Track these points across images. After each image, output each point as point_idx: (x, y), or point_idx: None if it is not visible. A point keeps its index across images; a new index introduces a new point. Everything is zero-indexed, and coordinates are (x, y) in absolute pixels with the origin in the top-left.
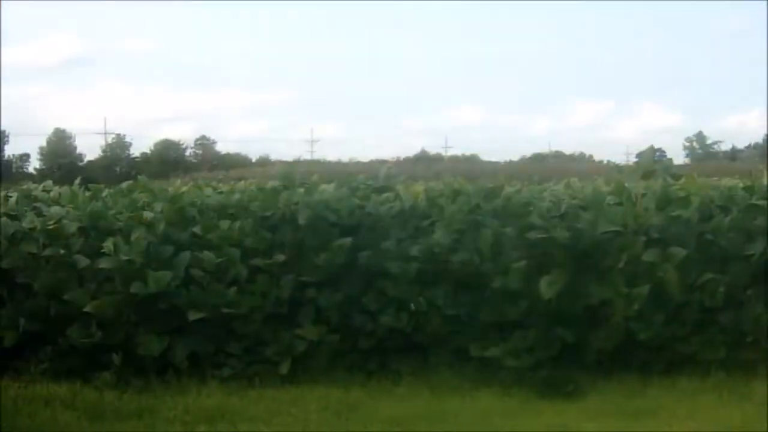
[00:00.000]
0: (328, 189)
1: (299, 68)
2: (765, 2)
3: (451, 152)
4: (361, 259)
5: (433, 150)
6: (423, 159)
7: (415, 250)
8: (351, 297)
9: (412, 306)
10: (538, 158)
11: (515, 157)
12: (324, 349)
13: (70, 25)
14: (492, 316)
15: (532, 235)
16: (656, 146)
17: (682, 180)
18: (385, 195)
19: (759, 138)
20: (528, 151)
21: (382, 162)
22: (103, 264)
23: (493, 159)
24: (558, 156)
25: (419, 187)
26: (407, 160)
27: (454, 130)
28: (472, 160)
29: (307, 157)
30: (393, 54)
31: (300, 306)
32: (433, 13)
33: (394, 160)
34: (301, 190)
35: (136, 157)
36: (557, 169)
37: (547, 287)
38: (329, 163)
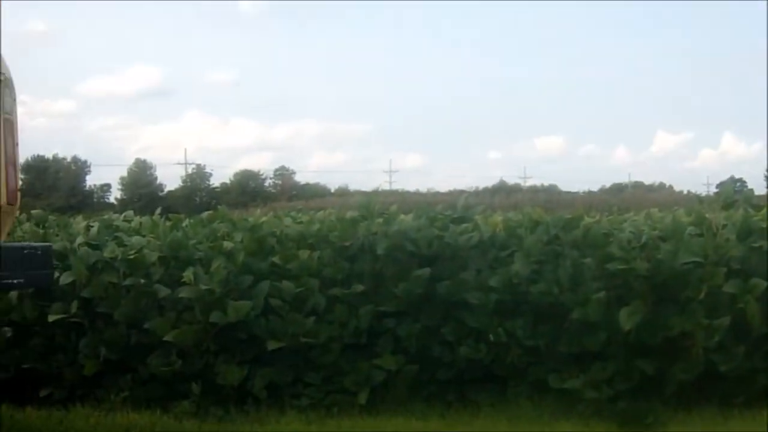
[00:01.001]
0: (406, 219)
1: (379, 99)
2: None
3: (529, 182)
4: (440, 289)
5: (511, 180)
6: (502, 189)
7: (493, 281)
8: (430, 327)
9: (491, 337)
10: (617, 188)
11: (594, 188)
12: (402, 380)
13: (152, 57)
14: (571, 348)
15: (612, 266)
16: (737, 176)
17: (764, 211)
18: (463, 225)
19: None
20: (607, 181)
21: (461, 192)
22: (183, 293)
23: (572, 189)
24: (637, 186)
25: (498, 218)
26: (486, 190)
27: (533, 160)
28: (550, 191)
29: (386, 187)
30: (472, 84)
31: (378, 336)
32: (513, 44)
33: (473, 190)
34: (380, 220)
35: (216, 187)
36: (637, 200)
37: (626, 318)
38: (408, 193)
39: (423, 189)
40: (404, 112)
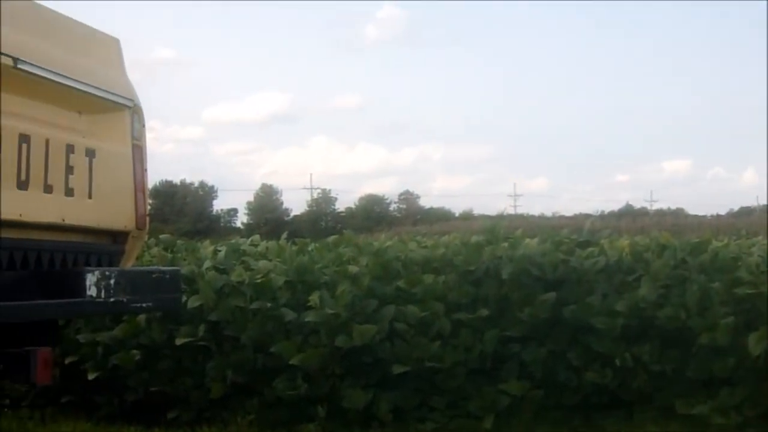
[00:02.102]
0: (532, 243)
1: (504, 122)
2: None
3: (656, 206)
4: (566, 313)
5: (638, 204)
6: (628, 213)
7: (620, 305)
8: (555, 352)
9: (617, 362)
10: (745, 212)
11: (722, 211)
12: (528, 405)
13: (278, 83)
14: (699, 373)
15: (740, 290)
16: None
17: None
18: (589, 249)
19: None
20: (735, 204)
21: (587, 216)
22: (309, 317)
23: (700, 213)
24: (766, 209)
25: (624, 242)
26: (612, 214)
27: (659, 183)
28: (677, 214)
29: (511, 211)
30: (595, 107)
31: (504, 361)
32: (638, 65)
33: (599, 214)
34: (505, 244)
35: (341, 212)
36: (765, 223)
37: (755, 343)
38: (533, 217)
39: (548, 213)
40: (529, 135)
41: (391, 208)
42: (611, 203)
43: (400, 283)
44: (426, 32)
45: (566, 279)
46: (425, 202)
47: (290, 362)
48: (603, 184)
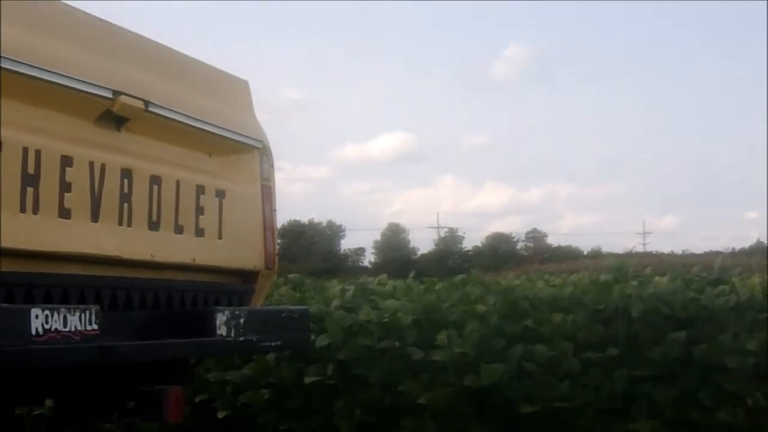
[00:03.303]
0: (661, 282)
1: (632, 160)
2: None
3: None
4: (696, 353)
5: None
6: (759, 250)
7: (751, 344)
8: (686, 392)
9: (749, 401)
10: None
11: None
12: None
13: (405, 123)
14: None
15: None
16: None
17: None
18: (720, 287)
19: None
20: None
21: (717, 253)
22: (437, 356)
23: None
24: None
25: (756, 279)
26: (742, 251)
27: None
28: None
29: (640, 249)
30: (728, 144)
31: (634, 400)
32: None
33: (729, 251)
34: (634, 282)
35: (468, 251)
36: None
37: None
38: (662, 255)
39: (677, 251)
40: (658, 173)
41: (519, 247)
42: (741, 240)
43: (528, 322)
44: (553, 70)
45: (697, 317)
46: (553, 240)
47: (418, 401)
48: (733, 222)
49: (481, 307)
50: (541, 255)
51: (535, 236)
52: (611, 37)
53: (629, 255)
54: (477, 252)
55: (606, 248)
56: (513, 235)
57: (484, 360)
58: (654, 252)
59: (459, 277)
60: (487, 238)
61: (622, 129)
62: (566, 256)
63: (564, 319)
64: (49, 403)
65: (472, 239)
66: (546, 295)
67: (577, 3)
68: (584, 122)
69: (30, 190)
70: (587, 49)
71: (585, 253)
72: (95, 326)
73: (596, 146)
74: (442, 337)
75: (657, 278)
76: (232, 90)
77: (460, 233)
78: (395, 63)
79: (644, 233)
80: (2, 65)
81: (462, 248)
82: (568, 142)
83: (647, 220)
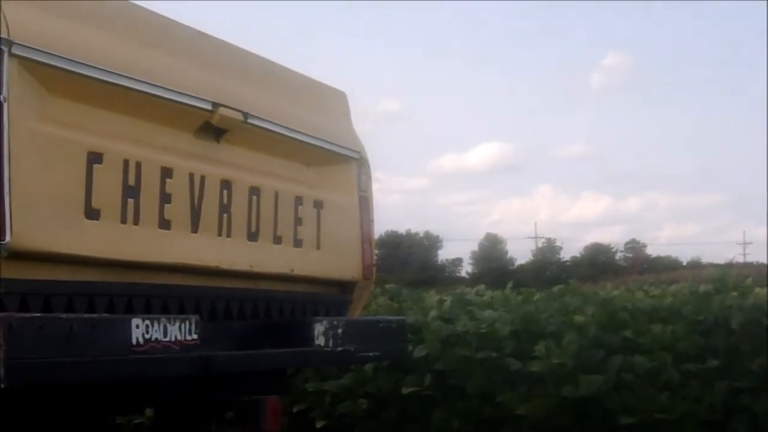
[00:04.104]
0: (762, 292)
1: (732, 168)
2: None
3: None
4: None
5: None
6: None
7: None
8: None
9: None
10: None
11: None
12: None
13: (502, 133)
14: None
15: None
16: None
17: None
18: None
19: None
20: None
21: None
22: (535, 367)
23: None
24: None
25: None
26: None
27: None
28: None
29: (740, 259)
30: None
31: (733, 413)
32: None
33: None
34: (735, 293)
35: (566, 261)
36: None
37: None
38: (763, 265)
39: None
40: (758, 182)
41: (617, 257)
42: None
43: (627, 333)
44: (652, 78)
45: None
46: (652, 251)
47: (516, 412)
48: None
49: (579, 318)
50: (639, 265)
51: (634, 246)
52: (709, 44)
53: (729, 265)
54: (575, 262)
55: (705, 258)
56: (611, 246)
57: (583, 371)
58: (755, 263)
59: (557, 288)
60: (586, 248)
61: (721, 137)
62: (665, 266)
63: (663, 330)
64: (149, 412)
65: (570, 249)
66: (645, 305)
67: (673, 10)
68: (682, 131)
69: (131, 201)
70: (685, 57)
71: (684, 263)
72: (195, 336)
73: (695, 155)
74: (540, 348)
75: (758, 289)
76: (330, 101)
77: (557, 243)
78: (492, 72)
79: (744, 243)
80: (107, 79)
81: (560, 258)
82: (666, 151)
83: (747, 230)
